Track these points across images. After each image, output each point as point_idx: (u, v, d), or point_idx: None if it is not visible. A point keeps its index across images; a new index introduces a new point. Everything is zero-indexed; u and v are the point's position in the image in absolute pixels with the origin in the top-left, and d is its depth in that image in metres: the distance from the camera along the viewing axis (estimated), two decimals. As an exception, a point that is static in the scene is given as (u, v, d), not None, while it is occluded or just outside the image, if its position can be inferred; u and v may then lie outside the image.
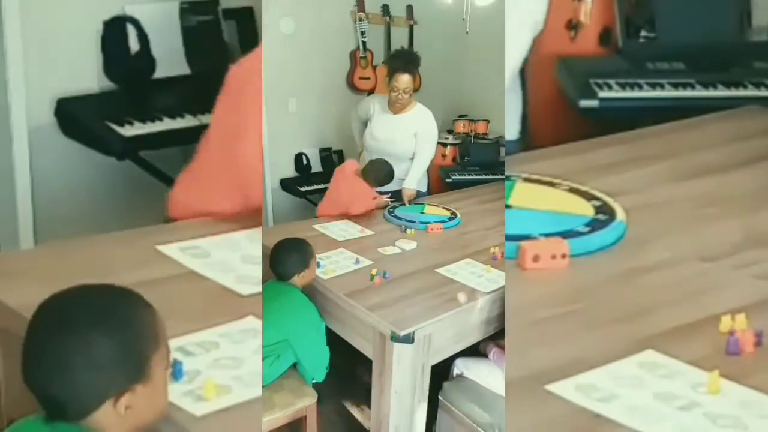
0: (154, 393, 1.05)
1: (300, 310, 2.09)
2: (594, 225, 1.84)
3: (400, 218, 2.87)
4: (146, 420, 1.07)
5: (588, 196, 1.99)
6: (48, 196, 2.78)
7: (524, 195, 2.02)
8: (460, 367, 2.20)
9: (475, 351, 2.20)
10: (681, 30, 2.90)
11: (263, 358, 1.96)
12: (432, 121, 3.25)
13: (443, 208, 3.06)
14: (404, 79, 3.06)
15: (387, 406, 1.98)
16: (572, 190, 2.04)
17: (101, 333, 0.98)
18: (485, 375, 2.12)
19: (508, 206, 1.96)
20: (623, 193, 2.04)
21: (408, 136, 3.17)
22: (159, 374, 1.06)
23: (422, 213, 2.98)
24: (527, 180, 2.11)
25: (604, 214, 1.90)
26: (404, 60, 3.13)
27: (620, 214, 1.90)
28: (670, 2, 2.93)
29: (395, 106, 3.16)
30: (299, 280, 2.16)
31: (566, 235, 1.78)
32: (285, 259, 2.16)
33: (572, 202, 1.98)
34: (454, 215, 2.95)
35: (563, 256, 1.71)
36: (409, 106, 3.18)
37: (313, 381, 2.11)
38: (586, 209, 1.93)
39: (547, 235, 1.78)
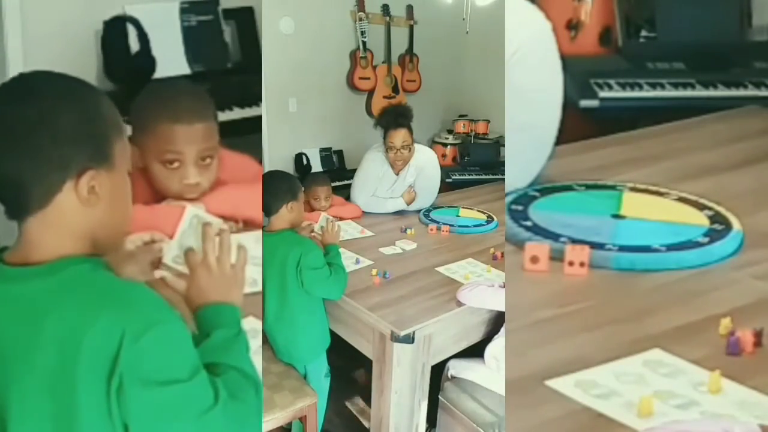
0: (118, 189, 1.01)
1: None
2: (712, 235, 1.77)
3: (437, 221, 2.83)
4: (108, 221, 1.00)
5: (699, 206, 1.93)
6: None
7: (634, 205, 1.94)
8: (456, 368, 2.19)
9: (469, 352, 2.19)
10: (681, 30, 2.90)
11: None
12: (433, 161, 3.09)
13: (478, 211, 3.00)
14: (400, 135, 2.90)
15: (387, 406, 1.99)
16: (681, 200, 1.97)
17: (66, 104, 0.94)
18: (481, 377, 2.10)
19: (620, 216, 1.87)
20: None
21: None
22: (122, 168, 1.01)
23: (458, 216, 2.93)
24: (634, 189, 2.04)
25: (720, 224, 1.83)
26: (395, 115, 2.94)
27: (736, 224, 1.83)
28: (670, 2, 2.93)
29: (397, 165, 2.99)
30: (288, 213, 2.10)
31: (686, 246, 1.71)
32: (276, 187, 2.06)
33: (684, 212, 1.91)
34: (490, 219, 2.89)
35: (581, 264, 1.63)
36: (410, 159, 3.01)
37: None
38: (700, 219, 1.86)
39: (668, 246, 1.70)
